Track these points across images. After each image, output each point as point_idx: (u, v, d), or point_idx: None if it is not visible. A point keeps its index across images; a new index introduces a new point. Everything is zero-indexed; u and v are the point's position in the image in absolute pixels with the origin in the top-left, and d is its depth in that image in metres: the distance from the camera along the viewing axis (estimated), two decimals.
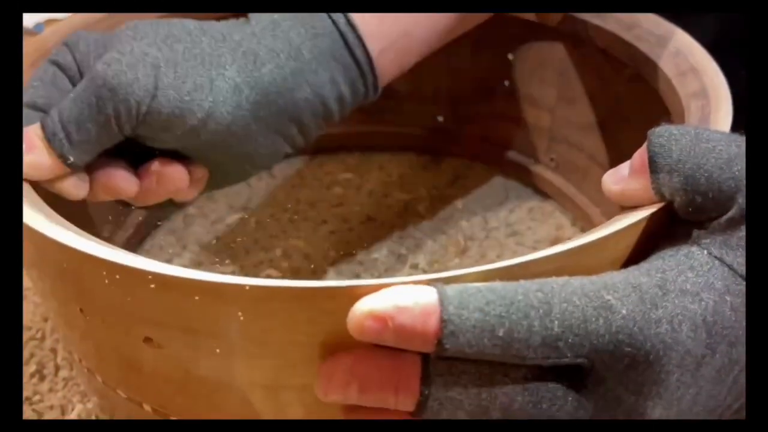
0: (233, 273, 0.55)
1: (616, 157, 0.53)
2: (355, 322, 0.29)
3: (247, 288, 0.30)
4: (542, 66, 0.58)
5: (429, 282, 0.30)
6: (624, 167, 0.36)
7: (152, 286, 0.31)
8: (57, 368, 0.50)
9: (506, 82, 0.60)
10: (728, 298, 0.31)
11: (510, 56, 0.59)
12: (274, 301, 0.30)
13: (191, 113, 0.41)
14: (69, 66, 0.42)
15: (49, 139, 0.40)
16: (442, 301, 0.29)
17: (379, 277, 0.54)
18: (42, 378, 0.49)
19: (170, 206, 0.47)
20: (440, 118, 0.63)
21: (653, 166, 0.33)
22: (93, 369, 0.39)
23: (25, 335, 0.52)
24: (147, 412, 0.38)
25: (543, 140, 0.59)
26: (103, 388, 0.39)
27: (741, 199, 0.32)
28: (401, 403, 0.30)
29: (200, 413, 0.36)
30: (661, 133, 0.34)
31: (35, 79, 0.42)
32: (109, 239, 0.53)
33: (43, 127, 0.40)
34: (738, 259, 0.31)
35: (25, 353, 0.51)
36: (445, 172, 0.64)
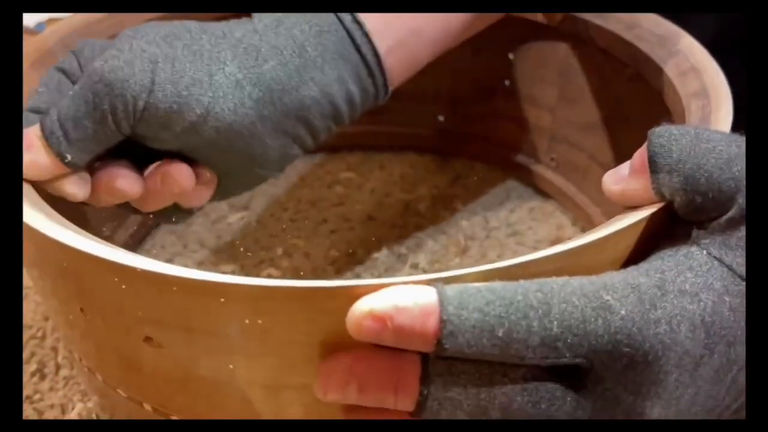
0: (234, 272, 0.55)
1: (617, 157, 0.53)
2: (354, 321, 0.29)
3: (247, 288, 0.30)
4: (543, 66, 0.58)
5: (429, 282, 0.30)
6: (624, 167, 0.36)
7: (153, 285, 0.31)
8: (58, 367, 0.50)
9: (507, 82, 0.60)
10: (727, 299, 0.31)
11: (511, 56, 0.59)
12: (274, 301, 0.30)
13: (189, 108, 0.40)
14: (74, 72, 0.42)
15: (47, 137, 0.39)
16: (442, 301, 0.29)
17: (379, 276, 0.54)
18: (43, 377, 0.49)
19: (178, 213, 0.46)
20: (441, 118, 0.63)
21: (653, 166, 0.33)
22: (93, 368, 0.40)
23: (26, 334, 0.52)
24: (147, 411, 0.38)
25: (544, 140, 0.59)
26: (103, 387, 0.39)
27: (741, 200, 0.32)
28: (401, 403, 0.30)
29: (200, 413, 0.36)
30: (661, 133, 0.34)
31: (41, 85, 0.42)
32: (109, 238, 0.53)
33: (42, 126, 0.40)
34: (737, 259, 0.32)
35: (26, 352, 0.51)
36: (445, 171, 0.64)
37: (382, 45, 0.43)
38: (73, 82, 0.41)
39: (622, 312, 0.29)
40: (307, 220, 0.60)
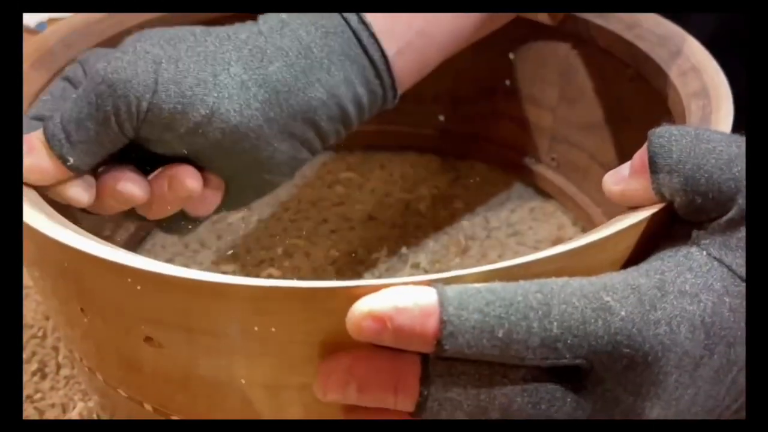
0: (234, 272, 0.55)
1: (618, 157, 0.53)
2: (353, 322, 0.29)
3: (248, 288, 0.30)
4: (544, 66, 0.58)
5: (429, 282, 0.30)
6: (624, 168, 0.36)
7: (153, 285, 0.31)
8: (58, 366, 0.50)
9: (507, 82, 0.60)
10: (727, 299, 0.31)
11: (511, 56, 0.59)
12: (274, 301, 0.30)
13: (194, 109, 0.39)
14: (79, 80, 0.41)
15: (49, 140, 0.39)
16: (442, 302, 0.29)
17: (380, 276, 0.54)
18: (43, 376, 0.49)
19: (184, 222, 0.45)
20: (442, 118, 0.63)
21: (653, 167, 0.33)
22: (94, 368, 0.40)
23: (27, 333, 0.52)
24: (147, 411, 0.38)
25: (544, 140, 0.59)
26: (103, 387, 0.39)
27: (741, 200, 0.32)
28: (400, 403, 0.30)
29: (200, 413, 0.36)
30: (662, 133, 0.34)
31: (46, 93, 0.42)
32: (109, 238, 0.53)
33: (44, 130, 0.39)
34: (737, 260, 0.31)
35: (27, 351, 0.51)
36: (446, 171, 0.64)
37: (390, 47, 0.43)
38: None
39: (622, 313, 0.29)
40: (308, 220, 0.60)
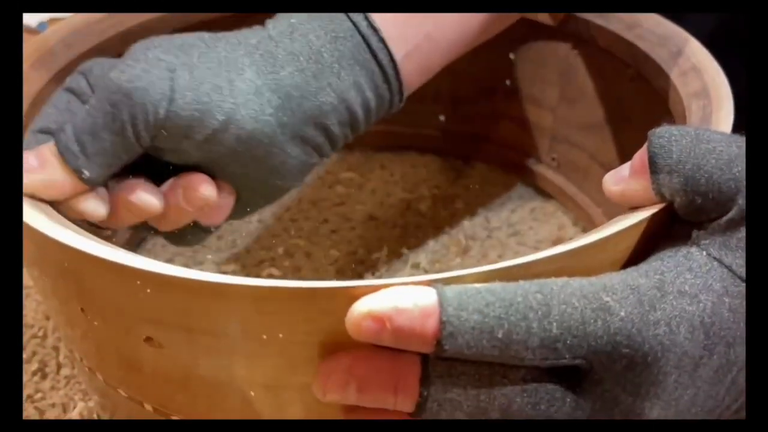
0: (234, 272, 0.55)
1: (618, 157, 0.53)
2: (353, 322, 0.29)
3: (248, 288, 0.30)
4: (544, 66, 0.58)
5: (428, 283, 0.30)
6: (624, 168, 0.36)
7: (153, 285, 0.31)
8: (59, 366, 0.50)
9: (508, 82, 0.60)
10: (726, 300, 0.31)
11: (511, 56, 0.59)
12: (274, 301, 0.30)
13: (211, 115, 0.39)
14: (83, 91, 0.41)
15: (63, 153, 0.38)
16: (442, 302, 0.29)
17: (380, 276, 0.54)
18: (44, 376, 0.49)
19: (195, 232, 0.45)
20: (442, 118, 0.63)
21: (653, 167, 0.33)
22: (94, 368, 0.40)
23: (28, 333, 0.52)
24: (148, 411, 0.38)
25: (544, 140, 0.59)
26: (104, 387, 0.39)
27: (741, 200, 0.32)
28: (400, 403, 0.30)
29: (201, 413, 0.36)
30: (662, 133, 0.34)
31: (49, 105, 0.41)
32: (109, 238, 0.53)
33: (57, 143, 0.38)
34: (737, 260, 0.31)
35: (27, 351, 0.51)
36: (446, 171, 0.64)
37: (398, 51, 0.43)
38: (83, 102, 0.40)
39: (622, 313, 0.29)
40: (308, 220, 0.60)
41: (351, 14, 0.42)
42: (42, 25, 0.79)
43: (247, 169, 0.41)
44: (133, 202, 0.41)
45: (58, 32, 0.48)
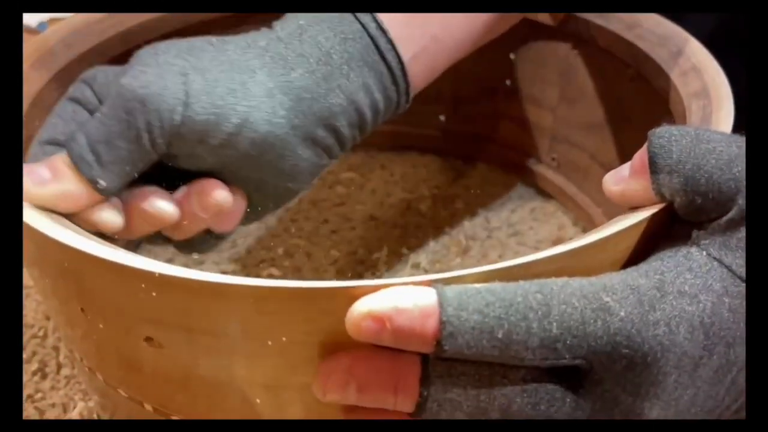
0: (235, 272, 0.55)
1: (618, 157, 0.53)
2: (353, 322, 0.29)
3: (248, 288, 0.30)
4: (544, 66, 0.58)
5: (428, 283, 0.30)
6: (624, 168, 0.36)
7: (153, 285, 0.31)
8: (59, 366, 0.50)
9: (508, 82, 0.60)
10: (726, 300, 0.31)
11: (512, 56, 0.59)
12: (273, 301, 0.30)
13: (226, 119, 0.38)
14: (88, 100, 0.40)
15: (77, 163, 0.37)
16: (442, 302, 0.29)
17: (380, 276, 0.54)
18: (44, 376, 0.49)
19: (209, 240, 0.44)
20: (442, 118, 0.63)
21: (653, 167, 0.33)
22: (94, 368, 0.40)
23: (28, 333, 0.52)
24: (148, 411, 0.38)
25: (545, 140, 0.59)
26: (104, 387, 0.39)
27: (741, 200, 0.32)
28: (400, 403, 0.30)
29: (201, 413, 0.36)
30: (662, 133, 0.34)
31: (53, 116, 0.40)
32: (109, 238, 0.53)
33: (70, 153, 0.37)
34: (737, 260, 0.31)
35: (28, 351, 0.51)
36: (447, 171, 0.64)
37: (406, 52, 0.43)
38: (89, 111, 0.40)
39: (622, 313, 0.29)
40: (308, 220, 0.60)
41: (359, 15, 0.42)
42: (42, 25, 0.80)
43: (259, 173, 0.41)
44: (149, 210, 0.40)
45: (58, 32, 0.48)
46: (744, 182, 0.32)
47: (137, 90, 0.37)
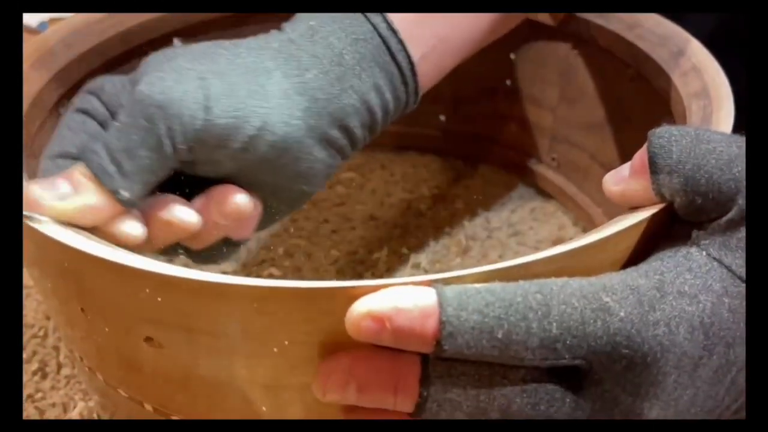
0: (235, 272, 0.55)
1: (618, 157, 0.53)
2: (352, 322, 0.29)
3: (248, 288, 0.30)
4: (544, 66, 0.58)
5: (428, 283, 0.30)
6: (625, 168, 0.36)
7: (153, 285, 0.31)
8: (59, 366, 0.50)
9: (508, 82, 0.60)
10: (726, 300, 0.31)
11: (512, 56, 0.59)
12: (273, 301, 0.30)
13: (247, 121, 0.38)
14: (98, 111, 0.39)
15: (98, 175, 0.36)
16: (441, 302, 0.29)
17: (380, 276, 0.54)
18: (44, 376, 0.49)
19: (226, 248, 0.43)
20: (442, 118, 0.63)
21: (653, 167, 0.33)
22: (94, 368, 0.40)
23: (28, 333, 0.52)
24: (148, 411, 0.38)
25: (545, 140, 0.59)
26: (104, 387, 0.39)
27: (741, 201, 0.32)
28: (400, 403, 0.30)
29: (201, 413, 0.36)
30: (662, 134, 0.34)
31: (62, 129, 0.39)
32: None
33: (90, 165, 0.36)
34: (737, 260, 0.31)
35: (28, 351, 0.51)
36: (447, 171, 0.64)
37: (415, 53, 0.42)
38: (99, 122, 0.39)
39: (621, 314, 0.29)
40: (309, 219, 0.60)
41: (369, 15, 0.42)
42: (42, 25, 0.80)
43: (275, 176, 0.41)
44: (171, 220, 0.39)
45: (58, 32, 0.48)
46: (744, 182, 0.32)
47: (156, 96, 0.36)
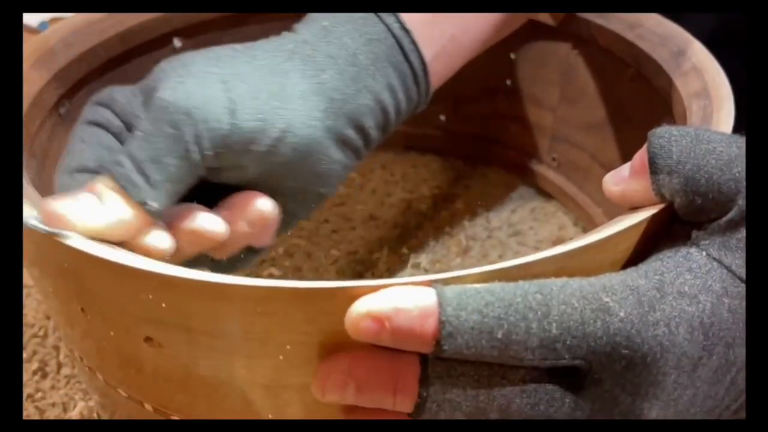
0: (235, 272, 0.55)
1: (618, 157, 0.53)
2: (352, 322, 0.29)
3: (247, 288, 0.30)
4: (544, 65, 0.58)
5: (428, 283, 0.30)
6: (625, 168, 0.36)
7: (153, 286, 0.31)
8: (59, 366, 0.50)
9: (508, 82, 0.60)
10: (726, 300, 0.31)
11: (512, 56, 0.59)
12: (273, 301, 0.30)
13: (272, 124, 0.37)
14: (111, 123, 0.38)
15: (125, 186, 0.34)
16: (441, 302, 0.29)
17: (380, 276, 0.54)
18: (44, 375, 0.49)
19: (248, 256, 0.42)
20: (443, 118, 0.63)
21: (653, 167, 0.33)
22: (94, 368, 0.40)
23: (28, 333, 0.52)
24: (148, 411, 0.38)
25: (545, 140, 0.59)
26: (104, 386, 0.39)
27: (741, 201, 0.32)
28: (399, 404, 0.30)
29: (201, 412, 0.36)
30: (662, 134, 0.34)
31: (76, 142, 0.38)
32: None
33: (115, 178, 0.35)
34: (737, 260, 0.31)
35: (28, 351, 0.51)
36: (447, 171, 0.64)
37: (427, 53, 0.43)
38: (114, 134, 0.38)
39: (621, 314, 0.29)
40: (309, 219, 0.60)
41: (382, 15, 0.42)
42: (43, 25, 0.80)
43: (295, 179, 0.40)
44: (198, 230, 0.37)
45: (59, 32, 0.48)
46: (744, 183, 0.32)
47: (180, 102, 0.35)
